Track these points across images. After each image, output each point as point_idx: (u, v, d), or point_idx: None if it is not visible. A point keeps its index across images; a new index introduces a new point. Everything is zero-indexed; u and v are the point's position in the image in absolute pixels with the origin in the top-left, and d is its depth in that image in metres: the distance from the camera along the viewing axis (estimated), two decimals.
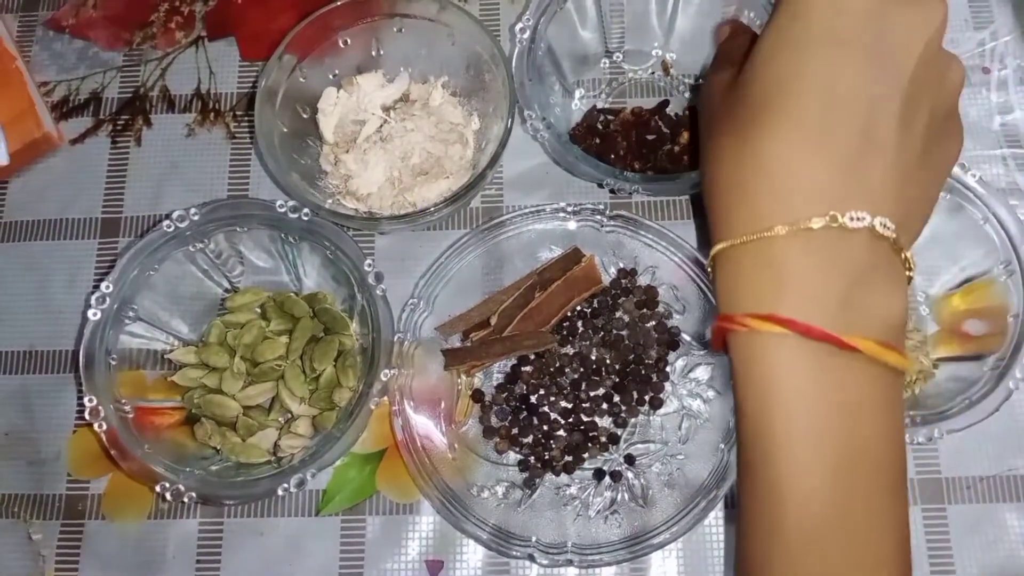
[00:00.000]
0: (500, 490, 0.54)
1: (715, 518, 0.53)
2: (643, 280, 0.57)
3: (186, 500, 0.49)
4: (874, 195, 0.33)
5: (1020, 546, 0.53)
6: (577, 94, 0.63)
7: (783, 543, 0.34)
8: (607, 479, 0.54)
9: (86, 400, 0.50)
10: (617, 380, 0.55)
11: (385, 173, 0.58)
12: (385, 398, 0.52)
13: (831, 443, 0.33)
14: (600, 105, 0.62)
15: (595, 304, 0.57)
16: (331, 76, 0.60)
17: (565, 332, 0.56)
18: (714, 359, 0.54)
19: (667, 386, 0.55)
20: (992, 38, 0.63)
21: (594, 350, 0.56)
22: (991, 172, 0.59)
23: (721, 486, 0.51)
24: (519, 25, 0.56)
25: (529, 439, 0.54)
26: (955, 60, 0.38)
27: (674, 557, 0.53)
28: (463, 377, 0.56)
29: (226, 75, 0.65)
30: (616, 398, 0.55)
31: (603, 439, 0.54)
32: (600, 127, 0.61)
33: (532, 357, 0.56)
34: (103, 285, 0.52)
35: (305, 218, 0.53)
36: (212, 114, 0.64)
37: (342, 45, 0.59)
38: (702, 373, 0.55)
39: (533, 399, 0.55)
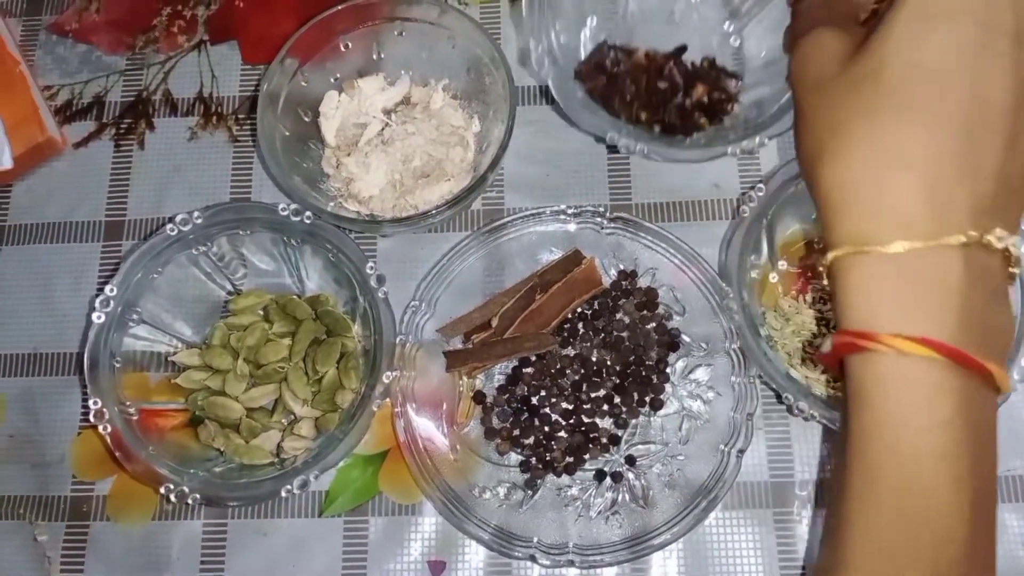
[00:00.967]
0: (502, 491, 0.54)
1: (715, 518, 0.54)
2: (643, 282, 0.57)
3: (190, 502, 0.49)
4: (1010, 210, 0.31)
5: (1019, 547, 0.53)
6: (589, 22, 0.60)
7: (892, 549, 0.31)
8: (608, 480, 0.54)
9: (91, 402, 0.50)
10: (618, 381, 0.55)
11: (386, 176, 0.58)
12: (387, 400, 0.53)
13: (970, 480, 0.30)
14: (612, 41, 0.59)
15: (595, 306, 0.57)
16: (332, 80, 0.61)
17: (566, 334, 0.56)
18: (713, 360, 0.55)
19: (667, 387, 0.55)
20: None
21: (595, 351, 0.56)
22: None
23: (721, 487, 0.51)
24: None
25: (530, 440, 0.55)
26: None
27: (675, 557, 0.53)
28: (464, 379, 0.56)
29: (228, 79, 0.66)
30: (617, 399, 0.55)
31: (604, 440, 0.54)
32: (609, 66, 0.58)
33: (533, 359, 0.56)
34: (107, 288, 0.52)
35: (307, 221, 0.53)
36: (214, 118, 0.64)
37: (343, 49, 0.60)
38: (702, 374, 0.55)
39: (534, 400, 0.55)
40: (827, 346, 0.32)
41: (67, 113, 0.65)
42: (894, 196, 0.30)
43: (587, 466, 0.54)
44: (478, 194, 0.58)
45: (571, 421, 0.55)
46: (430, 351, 0.55)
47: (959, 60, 0.30)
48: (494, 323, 0.55)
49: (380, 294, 0.52)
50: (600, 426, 0.55)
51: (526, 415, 0.55)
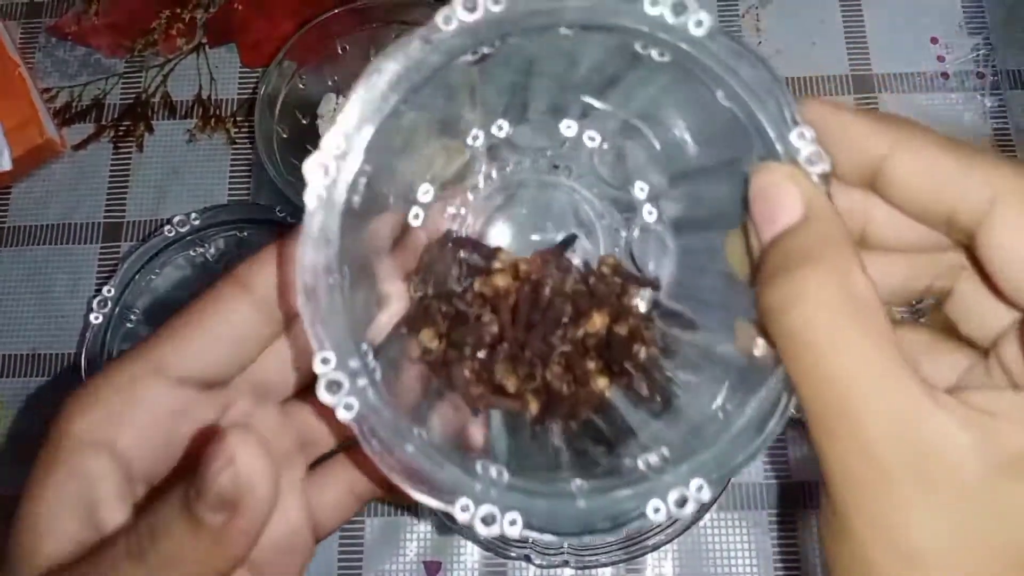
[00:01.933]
0: None
1: (710, 519, 0.54)
2: None
3: None
4: None
5: None
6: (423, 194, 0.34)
7: None
8: None
9: None
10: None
11: None
12: None
13: None
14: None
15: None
16: (330, 82, 0.61)
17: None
18: None
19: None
20: (986, 43, 0.63)
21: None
22: None
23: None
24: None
25: None
26: None
27: (670, 558, 0.53)
28: None
29: (227, 82, 0.66)
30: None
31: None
32: (446, 308, 0.34)
33: None
34: (105, 289, 0.52)
35: None
36: (213, 120, 0.65)
37: (341, 52, 0.60)
38: None
39: None
40: None
41: (66, 115, 0.66)
42: None
43: None
44: None
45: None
46: None
47: None
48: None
49: None
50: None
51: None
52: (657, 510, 0.25)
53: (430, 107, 0.29)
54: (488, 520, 0.24)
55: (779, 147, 0.25)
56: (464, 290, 0.32)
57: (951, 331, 0.28)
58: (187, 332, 0.27)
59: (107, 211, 0.63)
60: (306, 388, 0.29)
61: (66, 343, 0.60)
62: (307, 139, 0.60)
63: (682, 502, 0.25)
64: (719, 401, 0.27)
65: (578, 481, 0.26)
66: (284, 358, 0.28)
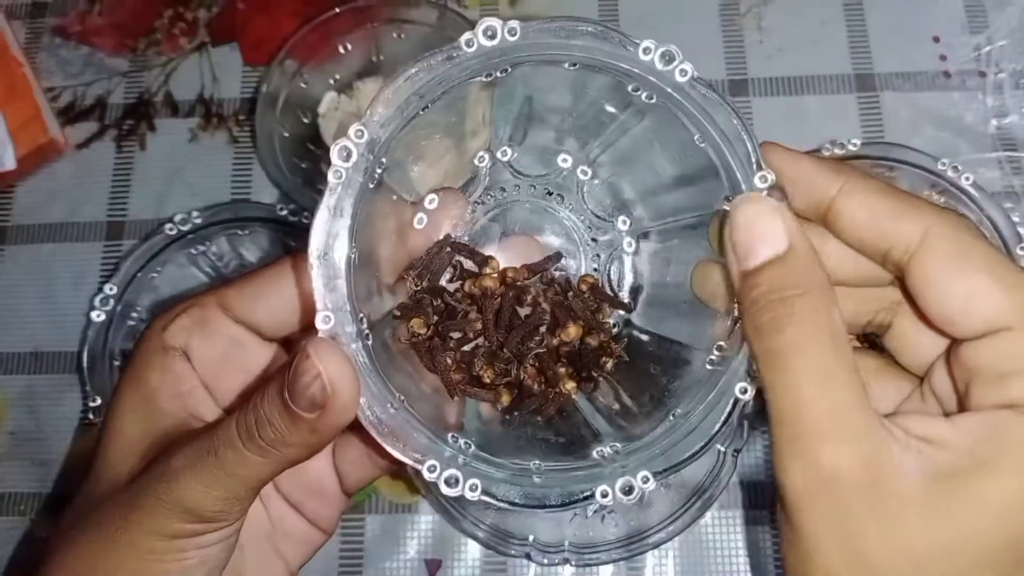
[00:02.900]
0: None
1: (711, 518, 0.54)
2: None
3: None
4: None
5: None
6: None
7: None
8: None
9: (90, 401, 0.51)
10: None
11: None
12: None
13: None
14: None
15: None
16: (332, 81, 0.61)
17: None
18: None
19: None
20: (988, 42, 0.63)
21: None
22: (987, 176, 0.60)
23: (716, 487, 0.51)
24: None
25: None
26: None
27: (670, 557, 0.53)
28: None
29: (229, 81, 0.66)
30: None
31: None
32: (437, 303, 0.36)
33: None
34: (106, 287, 0.53)
35: (305, 221, 0.53)
36: (215, 119, 0.65)
37: (342, 51, 0.60)
38: None
39: None
40: None
41: (69, 115, 0.66)
42: None
43: None
44: None
45: None
46: None
47: None
48: None
49: None
50: None
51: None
52: (605, 494, 0.29)
53: (444, 122, 0.33)
54: (451, 482, 0.28)
55: (744, 186, 0.29)
56: (456, 289, 0.37)
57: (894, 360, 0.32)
58: (249, 286, 0.34)
59: (110, 209, 0.63)
60: None
61: (68, 341, 0.60)
62: (308, 138, 0.61)
63: (628, 490, 0.29)
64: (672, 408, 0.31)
65: (537, 461, 0.30)
66: None
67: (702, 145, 0.30)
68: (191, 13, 0.68)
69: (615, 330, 0.38)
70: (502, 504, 0.29)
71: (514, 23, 0.28)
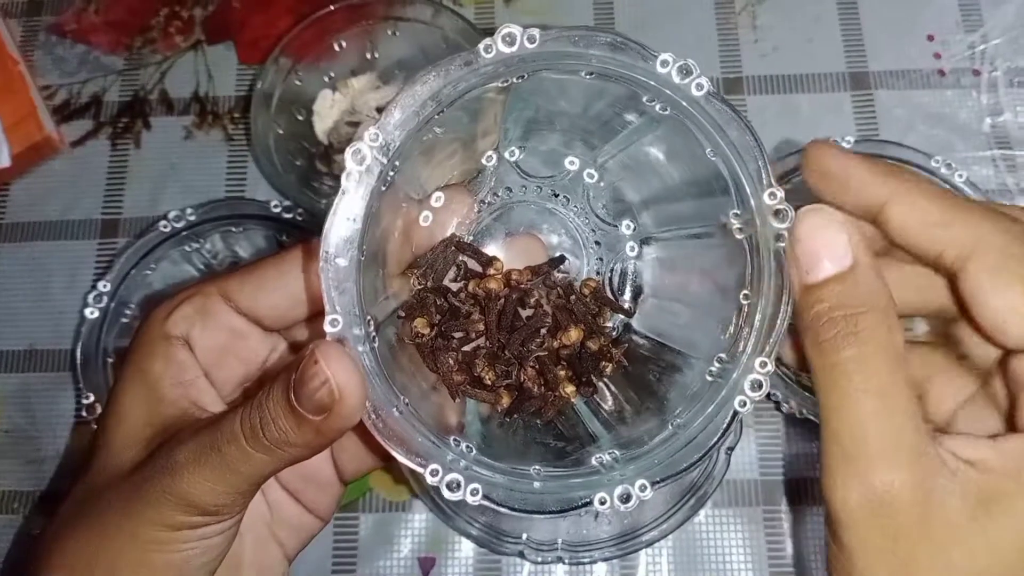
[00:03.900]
0: None
1: (705, 515, 0.54)
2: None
3: None
4: None
5: None
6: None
7: None
8: None
9: (83, 398, 0.51)
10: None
11: None
12: None
13: None
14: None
15: None
16: (326, 79, 0.61)
17: None
18: None
19: None
20: (982, 40, 0.63)
21: None
22: (981, 173, 0.60)
23: (709, 484, 0.51)
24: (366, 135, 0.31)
25: None
26: None
27: (664, 555, 0.53)
28: None
29: (224, 79, 0.66)
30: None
31: None
32: (440, 302, 0.36)
33: None
34: (100, 284, 0.53)
35: (299, 218, 0.53)
36: (210, 117, 0.65)
37: (337, 48, 0.60)
38: None
39: None
40: None
41: (65, 112, 0.66)
42: None
43: None
44: None
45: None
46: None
47: None
48: None
49: None
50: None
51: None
52: (603, 502, 0.29)
53: (457, 124, 0.33)
54: (452, 486, 0.28)
55: (753, 202, 0.29)
56: (459, 289, 0.36)
57: (961, 355, 0.32)
58: (251, 277, 0.34)
59: (105, 207, 0.63)
60: None
61: (63, 339, 0.60)
62: (303, 135, 0.61)
63: (626, 498, 0.29)
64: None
65: (537, 466, 0.30)
66: None
67: (713, 159, 0.31)
68: (187, 11, 0.68)
69: (615, 334, 0.38)
70: (501, 509, 0.29)
71: (534, 31, 0.29)
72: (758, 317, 0.30)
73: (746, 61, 0.64)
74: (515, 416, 0.35)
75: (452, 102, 0.30)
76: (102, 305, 0.53)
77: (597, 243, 0.40)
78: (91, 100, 0.66)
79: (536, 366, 0.36)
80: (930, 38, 0.64)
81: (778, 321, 0.29)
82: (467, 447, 0.30)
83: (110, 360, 0.53)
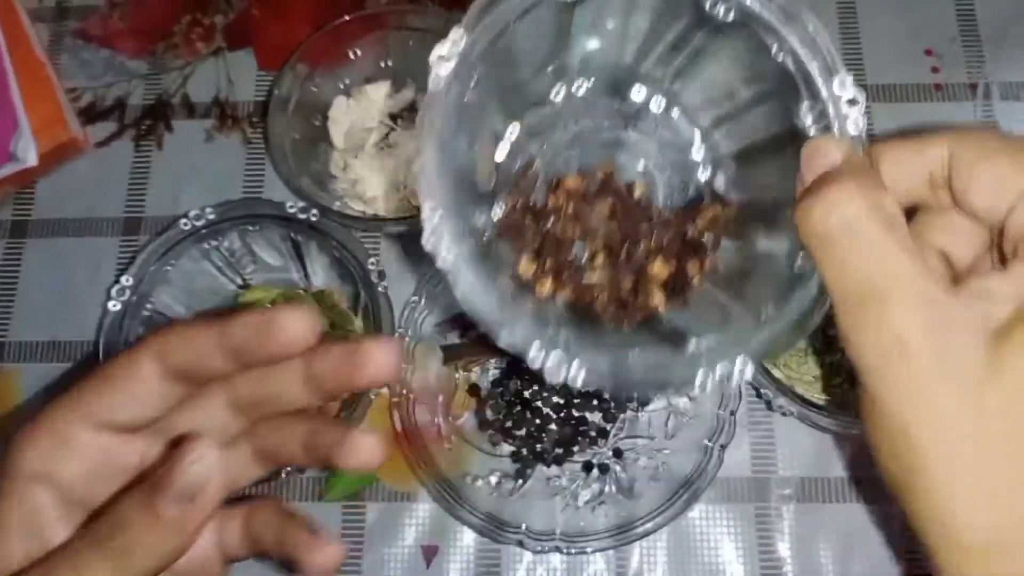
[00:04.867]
0: (493, 479, 0.56)
1: (698, 511, 0.56)
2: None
3: None
4: None
5: None
6: (509, 131, 0.39)
7: None
8: (595, 471, 0.56)
9: None
10: None
11: (391, 178, 0.61)
12: (386, 391, 0.55)
13: None
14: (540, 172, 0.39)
15: None
16: (341, 85, 0.64)
17: None
18: None
19: None
20: (979, 55, 0.65)
21: None
22: None
23: (703, 480, 0.53)
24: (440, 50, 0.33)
25: (522, 432, 0.57)
26: None
27: (658, 548, 0.55)
28: (460, 372, 0.59)
29: (244, 84, 0.69)
30: (606, 394, 0.57)
31: (593, 433, 0.57)
32: (535, 205, 0.38)
33: None
34: (123, 278, 0.55)
35: (314, 219, 0.56)
36: (230, 121, 0.67)
37: (352, 56, 0.63)
38: None
39: (527, 394, 0.57)
40: None
41: (90, 114, 0.69)
42: None
43: (576, 458, 0.57)
44: None
45: (561, 415, 0.57)
46: (428, 346, 0.58)
47: None
48: None
49: (380, 288, 0.55)
50: (589, 420, 0.57)
51: (519, 408, 0.57)
52: (703, 382, 0.30)
53: (529, 45, 0.35)
54: (555, 365, 0.29)
55: (824, 91, 0.31)
56: (546, 202, 0.38)
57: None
58: (106, 388, 0.31)
59: (127, 206, 0.66)
60: None
61: (85, 331, 0.63)
62: (318, 139, 0.63)
63: (727, 376, 0.30)
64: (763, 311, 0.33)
65: (637, 350, 0.31)
66: (210, 408, 0.32)
67: (780, 59, 0.32)
68: (208, 19, 0.70)
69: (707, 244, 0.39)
70: (594, 385, 0.30)
71: None
72: None
73: None
74: (607, 320, 0.37)
75: (525, 13, 0.31)
76: (124, 298, 0.55)
77: (671, 169, 0.41)
78: (115, 103, 0.69)
79: (633, 275, 0.37)
80: (928, 52, 0.66)
81: None
82: (565, 333, 0.31)
83: None
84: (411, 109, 0.64)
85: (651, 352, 0.33)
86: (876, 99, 0.64)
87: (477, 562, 0.56)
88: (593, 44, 0.38)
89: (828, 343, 0.56)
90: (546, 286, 0.36)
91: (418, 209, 0.59)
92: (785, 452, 0.57)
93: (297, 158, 0.60)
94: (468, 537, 0.56)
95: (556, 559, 0.56)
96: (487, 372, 0.59)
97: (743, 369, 0.30)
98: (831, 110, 0.31)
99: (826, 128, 0.32)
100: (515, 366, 0.58)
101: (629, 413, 0.57)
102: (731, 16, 0.32)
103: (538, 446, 0.56)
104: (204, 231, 0.56)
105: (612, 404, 0.57)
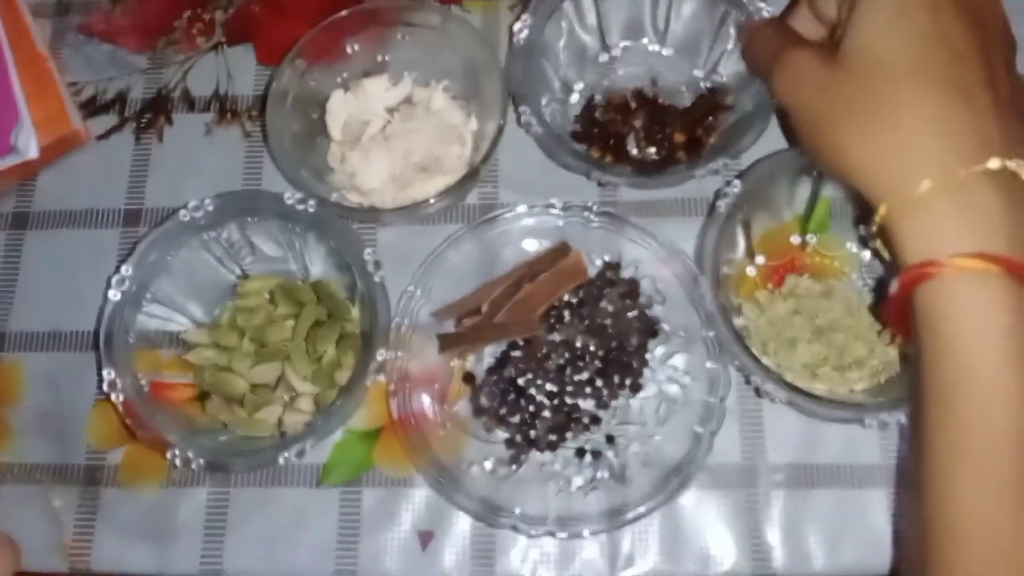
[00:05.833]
0: (488, 466, 0.57)
1: (689, 496, 0.57)
2: (627, 273, 0.60)
3: (195, 467, 0.53)
4: (1018, 138, 0.37)
5: None
6: (577, 87, 0.66)
7: (979, 463, 0.35)
8: (588, 457, 0.57)
9: (104, 373, 0.54)
10: (600, 365, 0.58)
11: (388, 169, 0.62)
12: (382, 377, 0.56)
13: None
14: (598, 99, 0.65)
15: (581, 295, 0.60)
16: (339, 80, 0.65)
17: (552, 320, 0.60)
18: (691, 347, 0.58)
19: (646, 372, 0.58)
20: None
21: (579, 337, 0.59)
22: None
23: (693, 466, 0.54)
24: (517, 24, 0.60)
25: (516, 419, 0.58)
26: None
27: (649, 531, 0.56)
28: (456, 360, 0.60)
29: (243, 78, 0.70)
30: (599, 382, 0.58)
31: (585, 420, 0.58)
32: (598, 118, 0.64)
33: (521, 343, 0.59)
34: (123, 268, 0.56)
35: (311, 210, 0.57)
36: (229, 114, 0.68)
37: (350, 51, 0.64)
38: (679, 360, 0.58)
39: (521, 382, 0.58)
40: (895, 286, 0.37)
41: (91, 108, 0.70)
42: (918, 149, 0.37)
43: (569, 444, 0.58)
44: (471, 186, 0.62)
45: (555, 402, 0.58)
46: (424, 334, 0.59)
47: (924, 34, 0.37)
48: (485, 308, 0.59)
49: (376, 278, 0.56)
50: (582, 407, 0.58)
51: (513, 395, 0.58)
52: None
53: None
54: None
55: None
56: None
57: None
58: None
59: (128, 198, 0.67)
60: None
61: (86, 321, 0.63)
62: (316, 133, 0.64)
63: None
64: None
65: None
66: None
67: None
68: (208, 14, 0.71)
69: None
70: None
71: None
72: None
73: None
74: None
75: None
76: (124, 288, 0.56)
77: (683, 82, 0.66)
78: (116, 97, 0.70)
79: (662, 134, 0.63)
80: None
81: None
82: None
83: (131, 340, 0.56)
84: (407, 102, 0.65)
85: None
86: None
87: (472, 546, 0.57)
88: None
89: (817, 332, 0.57)
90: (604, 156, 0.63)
91: (413, 201, 0.60)
92: (774, 439, 0.58)
93: (295, 151, 0.61)
94: (463, 522, 0.57)
95: (550, 543, 0.57)
96: (482, 360, 0.60)
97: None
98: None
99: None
100: (509, 355, 0.59)
101: (621, 400, 0.58)
102: None
103: (532, 432, 0.57)
104: (203, 222, 0.57)
105: (605, 392, 0.58)
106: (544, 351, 0.59)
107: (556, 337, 0.60)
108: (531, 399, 0.58)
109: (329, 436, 0.58)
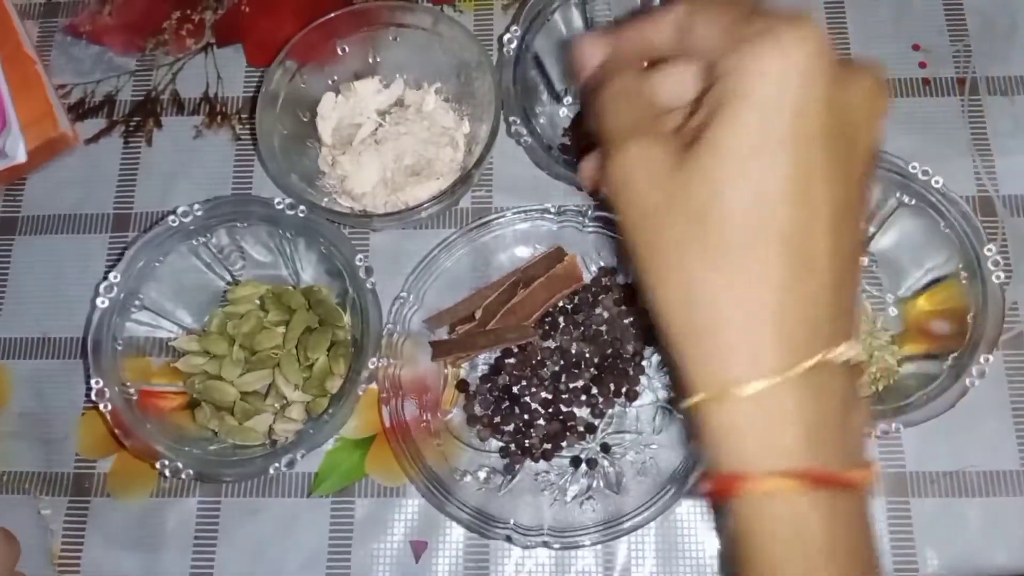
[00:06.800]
0: (482, 475, 0.56)
1: (685, 506, 0.56)
2: (622, 279, 0.59)
3: (184, 477, 0.52)
4: (844, 322, 0.32)
5: (979, 540, 0.55)
6: (566, 101, 0.66)
7: None
8: (583, 466, 0.56)
9: (92, 382, 0.53)
10: (595, 373, 0.57)
11: (379, 173, 0.61)
12: (374, 385, 0.55)
13: None
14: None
15: (576, 300, 0.59)
16: (330, 82, 0.64)
17: (547, 327, 0.59)
18: None
19: (642, 379, 0.58)
20: (967, 50, 0.65)
21: (574, 344, 0.58)
22: (959, 179, 0.61)
23: (691, 475, 0.53)
24: (506, 36, 0.59)
25: (510, 427, 0.57)
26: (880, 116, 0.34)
27: (645, 541, 0.56)
28: (449, 368, 0.59)
29: (233, 80, 0.69)
30: (594, 390, 0.57)
31: (580, 428, 0.57)
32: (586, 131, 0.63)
33: (515, 350, 0.58)
34: (111, 275, 0.55)
35: (302, 215, 0.56)
36: (219, 117, 0.67)
37: (341, 52, 0.63)
38: None
39: (515, 389, 0.58)
40: (704, 488, 0.33)
41: (80, 111, 0.69)
42: (745, 337, 0.31)
43: (564, 453, 0.57)
44: (465, 191, 0.61)
45: (550, 410, 0.57)
46: (417, 341, 0.58)
47: (781, 192, 0.30)
48: (478, 315, 0.58)
49: (368, 284, 0.55)
50: (577, 415, 0.57)
51: (507, 403, 0.57)
52: None
53: None
54: None
55: None
56: None
57: None
58: None
59: (116, 202, 0.66)
60: None
61: (75, 328, 0.63)
62: (306, 136, 0.63)
63: None
64: None
65: None
66: None
67: None
68: (198, 15, 0.70)
69: None
70: None
71: None
72: None
73: None
74: None
75: None
76: (112, 295, 0.55)
77: None
78: (105, 99, 0.69)
79: None
80: (915, 47, 0.66)
81: None
82: None
83: (119, 347, 0.56)
84: (399, 105, 0.64)
85: None
86: None
87: (466, 557, 0.56)
88: None
89: None
90: None
91: (406, 205, 0.59)
92: None
93: (286, 154, 0.60)
94: (457, 532, 0.57)
95: (544, 554, 0.56)
96: (476, 368, 0.59)
97: None
98: None
99: None
100: (503, 362, 0.58)
101: (617, 408, 0.57)
102: None
103: (526, 441, 0.56)
104: (192, 228, 0.57)
105: (600, 399, 0.57)
106: (539, 358, 0.58)
107: (551, 344, 0.59)
108: (525, 407, 0.57)
109: (320, 445, 0.57)
